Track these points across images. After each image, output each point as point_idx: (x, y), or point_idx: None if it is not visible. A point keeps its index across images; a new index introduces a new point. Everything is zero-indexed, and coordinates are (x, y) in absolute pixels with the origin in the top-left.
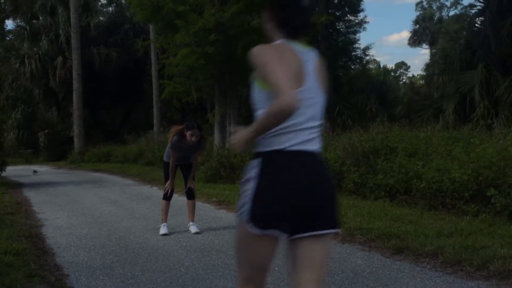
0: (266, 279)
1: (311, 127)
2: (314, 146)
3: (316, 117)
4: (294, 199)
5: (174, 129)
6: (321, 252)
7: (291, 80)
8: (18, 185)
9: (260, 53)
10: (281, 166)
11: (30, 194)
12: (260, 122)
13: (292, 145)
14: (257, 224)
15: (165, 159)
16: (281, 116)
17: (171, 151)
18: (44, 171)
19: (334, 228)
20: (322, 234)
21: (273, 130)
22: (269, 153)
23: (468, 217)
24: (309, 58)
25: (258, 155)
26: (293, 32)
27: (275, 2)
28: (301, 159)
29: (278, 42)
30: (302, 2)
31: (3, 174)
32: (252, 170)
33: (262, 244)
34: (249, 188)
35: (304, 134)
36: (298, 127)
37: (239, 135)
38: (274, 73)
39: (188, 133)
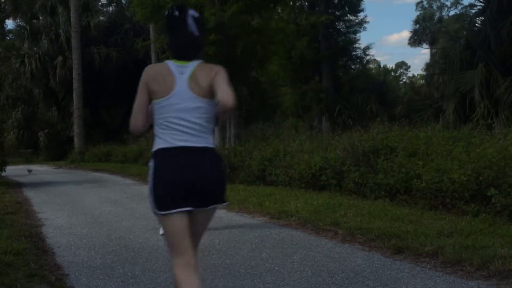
0: (191, 245)
1: (185, 127)
2: (193, 142)
3: (189, 118)
4: (178, 187)
5: None
6: (205, 222)
7: (138, 111)
8: (18, 185)
9: (141, 78)
10: (166, 161)
11: (30, 194)
12: None
13: (172, 143)
14: (160, 209)
15: None
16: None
17: None
18: (44, 170)
19: (219, 203)
20: (209, 209)
21: (155, 134)
22: (156, 152)
23: (468, 217)
24: (185, 71)
25: (151, 155)
26: (177, 55)
27: (165, 28)
28: (181, 154)
29: (163, 62)
30: (187, 30)
31: (3, 173)
32: (150, 170)
33: (174, 221)
34: (149, 185)
35: (180, 134)
36: (173, 129)
37: None
38: (135, 103)
39: None
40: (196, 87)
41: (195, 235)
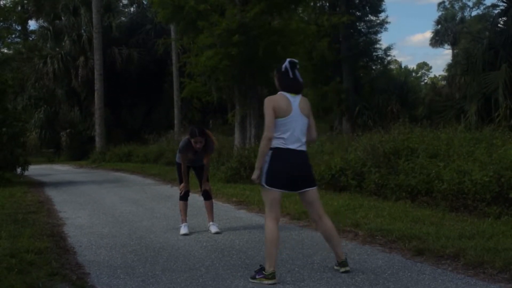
0: None
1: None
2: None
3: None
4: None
5: None
6: None
7: (269, 125)
8: (40, 184)
9: (265, 105)
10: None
11: (52, 193)
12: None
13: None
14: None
15: (177, 160)
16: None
17: (180, 154)
18: (66, 170)
19: None
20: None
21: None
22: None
23: (490, 219)
24: (295, 100)
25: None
26: (288, 91)
27: (279, 73)
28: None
29: (278, 94)
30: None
31: (26, 173)
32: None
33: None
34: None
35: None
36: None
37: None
38: (266, 119)
39: (192, 141)
40: (302, 110)
41: None
